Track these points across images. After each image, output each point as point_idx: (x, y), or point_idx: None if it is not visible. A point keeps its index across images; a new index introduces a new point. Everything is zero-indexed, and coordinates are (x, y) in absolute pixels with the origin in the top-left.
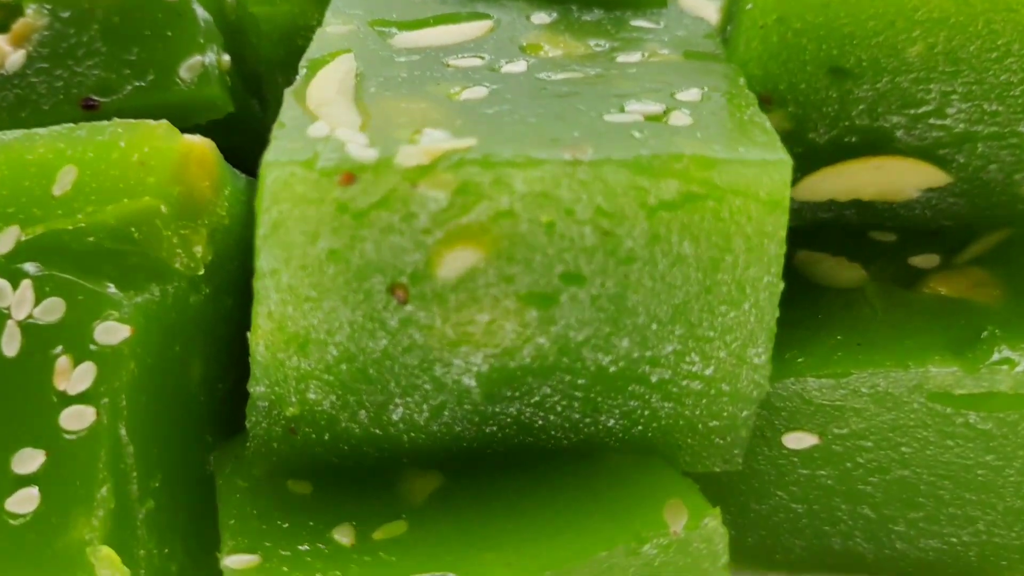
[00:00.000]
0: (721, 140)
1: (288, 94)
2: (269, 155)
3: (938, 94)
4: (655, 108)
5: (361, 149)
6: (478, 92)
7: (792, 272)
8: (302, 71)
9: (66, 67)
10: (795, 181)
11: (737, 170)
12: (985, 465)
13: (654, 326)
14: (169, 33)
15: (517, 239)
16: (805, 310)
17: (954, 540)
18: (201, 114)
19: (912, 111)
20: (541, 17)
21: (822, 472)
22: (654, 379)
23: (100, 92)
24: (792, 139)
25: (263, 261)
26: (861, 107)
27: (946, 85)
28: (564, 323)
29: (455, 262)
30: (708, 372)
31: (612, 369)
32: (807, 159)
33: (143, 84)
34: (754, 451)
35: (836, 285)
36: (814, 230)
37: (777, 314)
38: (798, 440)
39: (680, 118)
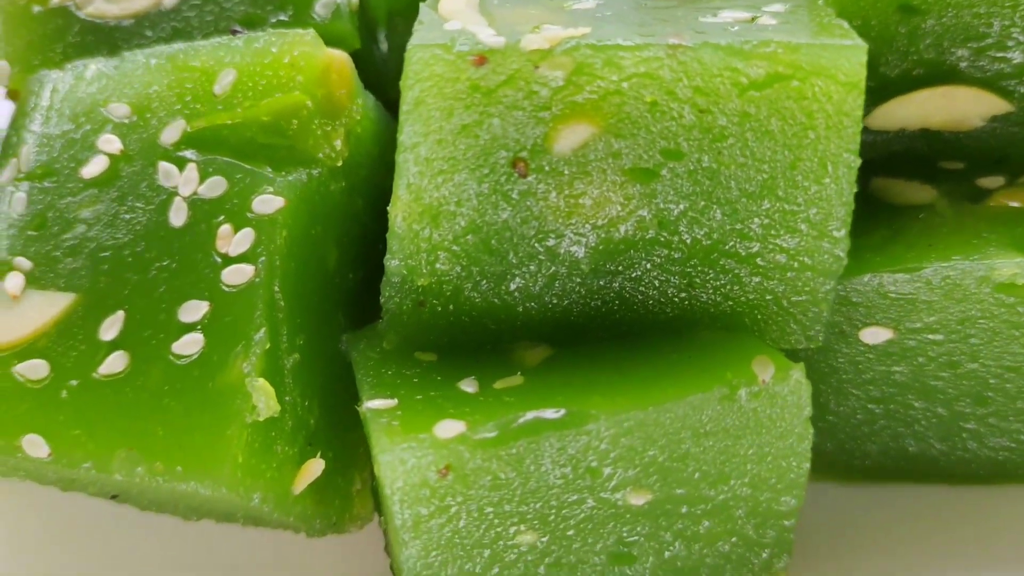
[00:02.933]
0: (804, 33)
1: (423, 6)
2: (413, 40)
3: (999, 28)
4: (744, 15)
5: (491, 37)
6: (587, 3)
7: (868, 197)
8: None
9: (215, 2)
10: (868, 112)
11: (818, 53)
12: None
13: (744, 200)
14: None
15: (624, 116)
16: (881, 224)
17: (1023, 438)
18: (332, 48)
19: (975, 44)
20: None
21: (897, 368)
22: (743, 252)
23: (246, 25)
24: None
25: (405, 136)
26: (928, 41)
27: (1006, 19)
28: (663, 196)
29: (570, 137)
30: (792, 244)
31: (705, 242)
32: (879, 91)
33: (284, 18)
34: (833, 349)
35: (909, 203)
36: (887, 160)
37: (855, 190)
38: (874, 335)
39: (767, 20)
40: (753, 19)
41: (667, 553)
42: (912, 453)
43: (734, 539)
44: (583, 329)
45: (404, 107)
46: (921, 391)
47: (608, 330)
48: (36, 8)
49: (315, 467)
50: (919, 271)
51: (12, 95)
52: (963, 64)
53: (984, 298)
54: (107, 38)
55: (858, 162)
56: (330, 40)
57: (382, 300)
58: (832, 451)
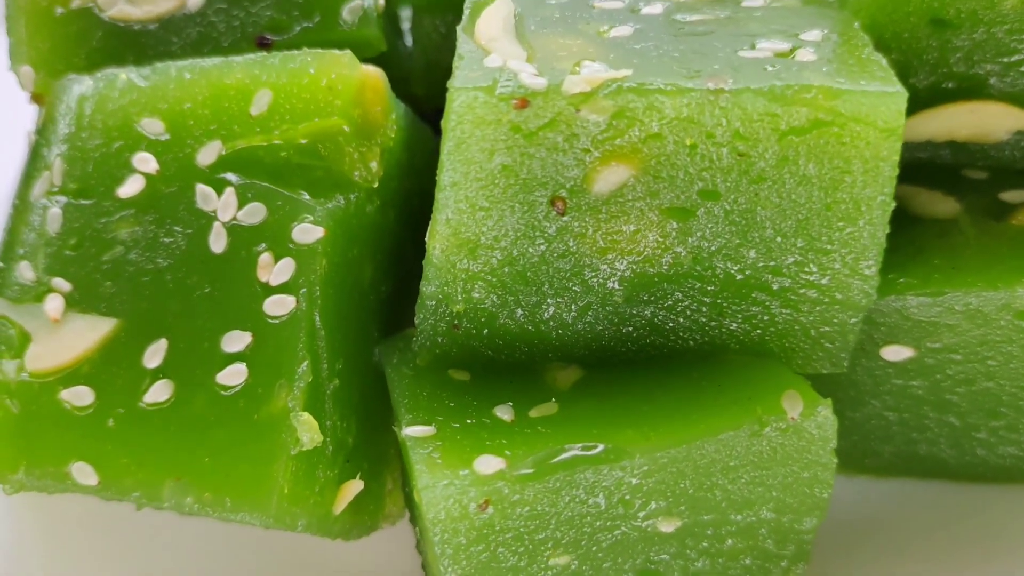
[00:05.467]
0: (844, 74)
1: (460, 30)
2: (456, 82)
3: None
4: (783, 46)
5: (532, 78)
6: (624, 31)
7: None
8: (467, 11)
9: (242, 7)
10: None
11: (859, 100)
12: None
13: (779, 239)
14: None
15: (663, 159)
16: (905, 238)
17: None
18: (359, 52)
19: (1005, 59)
20: None
21: (914, 383)
22: (775, 287)
23: (273, 31)
24: None
25: (446, 175)
26: (958, 55)
27: None
28: (699, 234)
29: (609, 178)
30: (824, 282)
31: (739, 277)
32: (908, 103)
33: (310, 25)
34: (854, 363)
35: (933, 216)
36: (913, 167)
37: (888, 230)
38: (895, 352)
39: (806, 55)
40: (792, 51)
41: (692, 568)
42: (922, 455)
43: (756, 553)
44: (614, 352)
45: (446, 147)
46: (936, 404)
47: (639, 353)
48: (58, 10)
49: (354, 487)
50: (942, 296)
51: (37, 99)
52: (992, 79)
53: (1004, 324)
54: (132, 43)
55: (892, 205)
56: (357, 45)
57: (416, 321)
58: (846, 449)
